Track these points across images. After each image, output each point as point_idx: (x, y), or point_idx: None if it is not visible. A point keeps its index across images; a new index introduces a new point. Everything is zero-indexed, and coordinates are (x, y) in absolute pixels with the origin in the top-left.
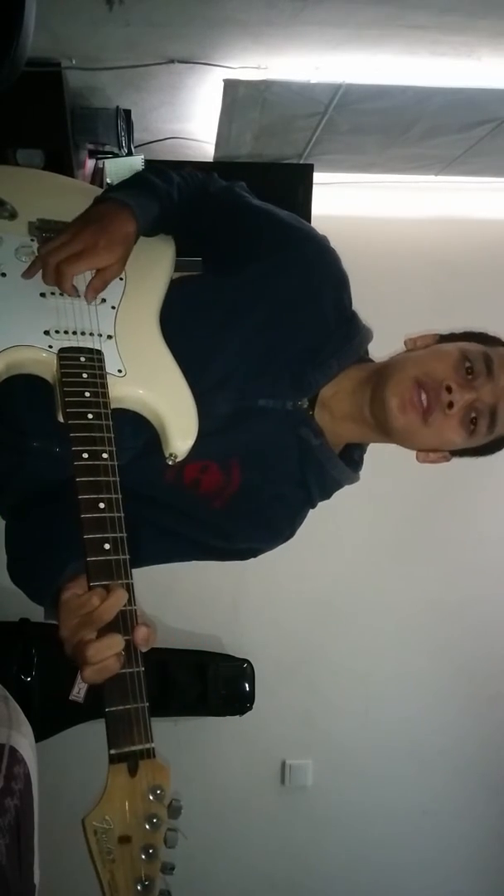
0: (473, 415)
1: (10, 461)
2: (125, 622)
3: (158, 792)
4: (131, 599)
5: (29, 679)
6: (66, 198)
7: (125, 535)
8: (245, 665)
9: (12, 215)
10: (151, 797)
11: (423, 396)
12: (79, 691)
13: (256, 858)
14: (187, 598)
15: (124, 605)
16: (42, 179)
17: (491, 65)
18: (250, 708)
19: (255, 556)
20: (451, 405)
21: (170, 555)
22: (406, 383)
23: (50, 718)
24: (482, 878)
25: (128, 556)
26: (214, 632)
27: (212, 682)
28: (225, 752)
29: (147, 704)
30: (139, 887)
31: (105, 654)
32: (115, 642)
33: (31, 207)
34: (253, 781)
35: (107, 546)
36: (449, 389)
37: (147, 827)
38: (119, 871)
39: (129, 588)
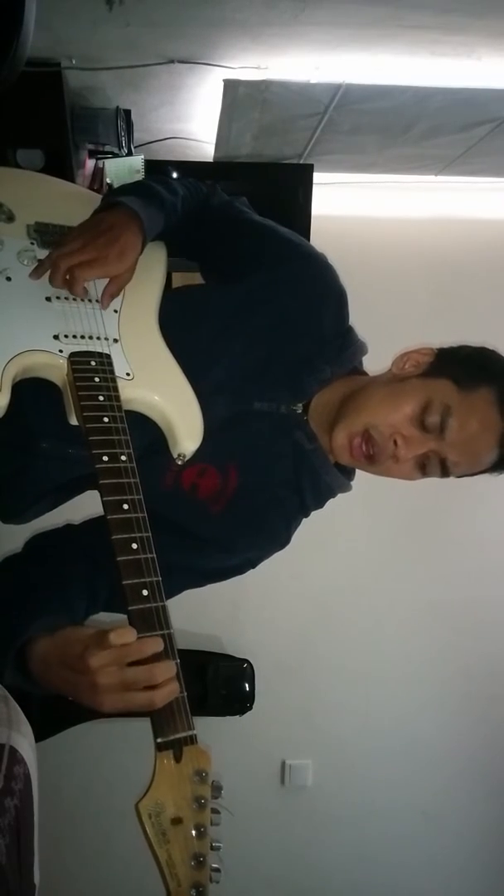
0: (423, 461)
1: (17, 461)
2: (159, 619)
3: (203, 774)
4: (162, 595)
5: None
6: (60, 201)
7: (150, 534)
8: (245, 665)
9: (10, 218)
10: (197, 780)
11: (370, 446)
12: None
13: (256, 858)
14: (187, 598)
15: (158, 602)
16: (36, 182)
17: (491, 65)
18: (250, 708)
19: (253, 566)
20: (395, 457)
21: (174, 589)
22: (355, 428)
23: (50, 718)
24: (482, 878)
25: (154, 555)
26: (214, 632)
27: (212, 682)
28: (225, 752)
29: (186, 694)
30: (193, 863)
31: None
32: (174, 688)
33: (27, 210)
34: (253, 781)
35: (134, 546)
36: (396, 443)
37: (195, 807)
38: (175, 850)
39: (159, 584)
